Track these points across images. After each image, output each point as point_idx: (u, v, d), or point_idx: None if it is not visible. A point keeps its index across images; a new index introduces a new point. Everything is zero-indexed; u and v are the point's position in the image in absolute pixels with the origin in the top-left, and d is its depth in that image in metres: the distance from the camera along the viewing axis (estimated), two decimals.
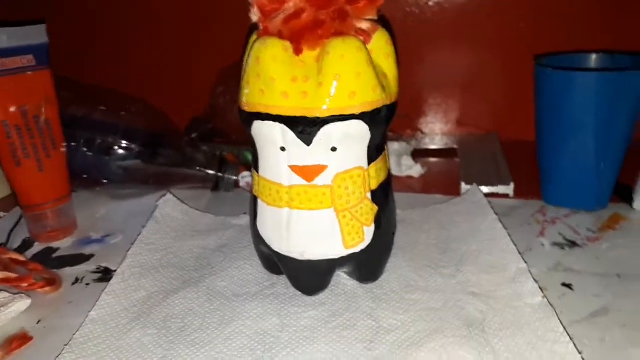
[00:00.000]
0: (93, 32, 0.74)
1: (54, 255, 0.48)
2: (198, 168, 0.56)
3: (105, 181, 0.54)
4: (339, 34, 0.33)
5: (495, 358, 0.32)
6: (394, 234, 0.41)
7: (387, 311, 0.37)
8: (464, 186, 0.55)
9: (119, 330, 0.37)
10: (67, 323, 0.38)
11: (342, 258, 0.37)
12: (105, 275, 0.44)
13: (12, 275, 0.41)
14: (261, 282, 0.42)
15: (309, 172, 0.35)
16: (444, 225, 0.48)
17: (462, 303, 0.37)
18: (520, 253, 0.42)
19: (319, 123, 0.33)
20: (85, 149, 0.52)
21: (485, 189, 0.53)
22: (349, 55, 0.32)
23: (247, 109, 0.35)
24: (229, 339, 0.35)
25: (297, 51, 0.33)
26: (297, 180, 0.35)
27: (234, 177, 0.58)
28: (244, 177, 0.59)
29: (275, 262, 0.40)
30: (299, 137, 0.34)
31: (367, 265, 0.39)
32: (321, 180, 0.35)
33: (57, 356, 0.34)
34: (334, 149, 0.34)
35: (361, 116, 0.33)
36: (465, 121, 0.71)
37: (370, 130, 0.34)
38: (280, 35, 0.33)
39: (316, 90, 0.33)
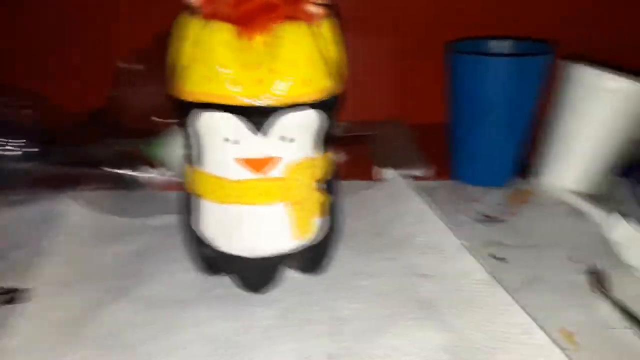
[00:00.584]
0: None
1: None
2: (103, 167, 0.51)
3: None
4: (289, 18, 0.31)
5: (458, 336, 0.33)
6: (340, 223, 0.40)
7: (341, 301, 0.37)
8: (380, 171, 0.56)
9: (46, 358, 0.32)
10: None
11: (292, 251, 0.36)
12: (12, 295, 0.38)
13: None
14: (199, 284, 0.39)
15: (259, 165, 0.33)
16: (374, 210, 0.48)
17: (410, 285, 0.38)
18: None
19: (271, 112, 0.31)
20: None
21: (401, 173, 0.55)
22: (303, 41, 0.31)
23: (188, 98, 0.32)
24: (184, 348, 0.32)
25: (247, 36, 0.31)
26: (246, 174, 0.33)
27: (141, 174, 0.54)
28: (151, 174, 0.54)
29: (214, 263, 0.37)
30: (249, 128, 0.32)
31: (317, 256, 0.38)
32: (272, 172, 0.33)
33: None
34: (285, 139, 0.33)
35: (313, 104, 0.32)
36: (372, 108, 0.72)
37: (321, 119, 0.33)
38: (227, 19, 0.31)
39: (268, 77, 0.31)
